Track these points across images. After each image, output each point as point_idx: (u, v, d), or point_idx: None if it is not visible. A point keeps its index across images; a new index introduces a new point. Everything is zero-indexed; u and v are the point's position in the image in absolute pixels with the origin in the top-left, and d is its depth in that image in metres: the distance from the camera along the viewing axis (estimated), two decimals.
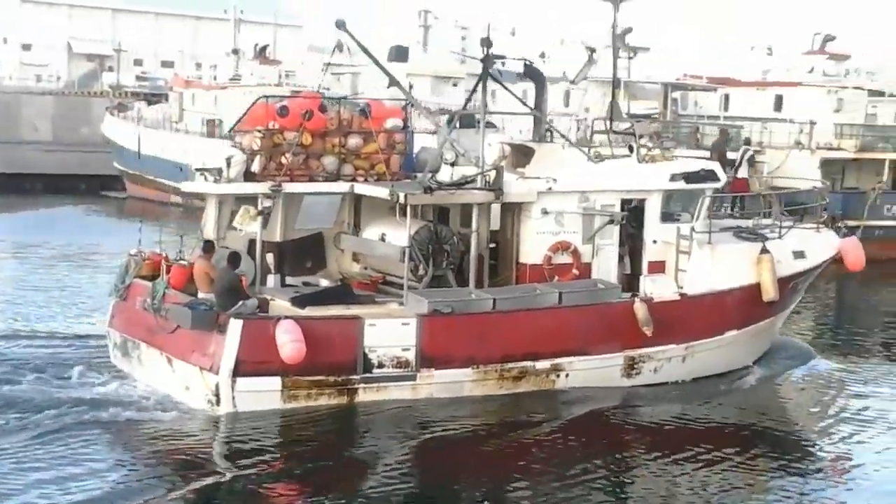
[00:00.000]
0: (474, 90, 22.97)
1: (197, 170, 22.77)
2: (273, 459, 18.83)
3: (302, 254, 23.88)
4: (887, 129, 54.44)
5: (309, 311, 20.45)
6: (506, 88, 23.34)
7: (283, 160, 22.35)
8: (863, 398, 23.64)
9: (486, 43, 22.29)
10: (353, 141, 22.97)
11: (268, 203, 22.10)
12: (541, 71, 23.66)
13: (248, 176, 22.46)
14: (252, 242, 23.15)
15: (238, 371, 19.51)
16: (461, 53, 59.17)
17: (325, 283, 23.15)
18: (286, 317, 19.74)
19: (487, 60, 22.41)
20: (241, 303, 19.82)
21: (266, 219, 22.40)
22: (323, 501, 17.00)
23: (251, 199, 22.91)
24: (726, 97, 56.75)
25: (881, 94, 60.11)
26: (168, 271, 21.55)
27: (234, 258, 20.74)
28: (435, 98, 64.03)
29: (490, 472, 18.65)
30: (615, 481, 18.57)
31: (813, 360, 25.66)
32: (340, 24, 22.43)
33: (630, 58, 26.65)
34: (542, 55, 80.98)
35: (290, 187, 22.33)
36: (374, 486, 17.83)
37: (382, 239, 22.72)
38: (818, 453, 20.44)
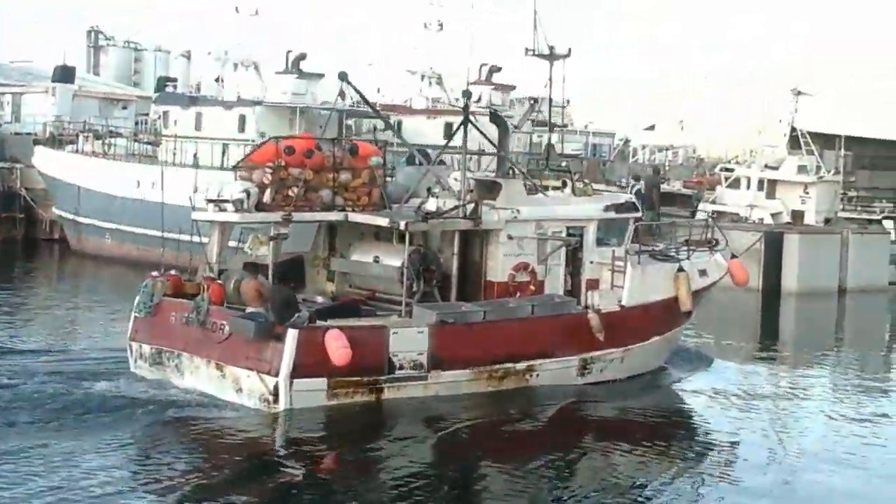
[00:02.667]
0: (454, 133, 27.21)
1: (210, 201, 26.03)
2: (327, 446, 22.80)
3: (286, 274, 27.36)
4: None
5: (344, 322, 24.14)
6: (481, 133, 27.78)
7: (290, 193, 25.89)
8: (752, 387, 29.11)
9: (466, 93, 26.75)
10: (344, 176, 26.83)
11: (285, 230, 25.64)
12: (504, 118, 28.02)
13: (259, 206, 25.89)
14: (247, 265, 26.66)
15: (294, 373, 23.06)
16: (454, 103, 61.40)
17: (320, 299, 26.79)
18: (333, 326, 23.42)
19: (466, 109, 26.72)
20: (296, 315, 23.36)
21: (279, 244, 25.89)
22: (366, 479, 20.92)
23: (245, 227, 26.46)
24: (399, 124, 57.13)
25: (544, 123, 62.08)
26: (208, 289, 24.72)
27: (286, 277, 24.35)
28: (102, 120, 64.87)
29: (490, 458, 22.66)
30: (573, 461, 22.94)
31: (712, 361, 31.00)
32: (343, 76, 26.33)
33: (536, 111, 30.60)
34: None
35: (296, 216, 25.91)
36: (404, 468, 21.67)
37: (376, 260, 26.53)
38: (720, 436, 25.22)
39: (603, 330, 26.82)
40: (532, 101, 28.86)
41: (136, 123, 67.36)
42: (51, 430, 22.05)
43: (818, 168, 62.06)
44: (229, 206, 25.79)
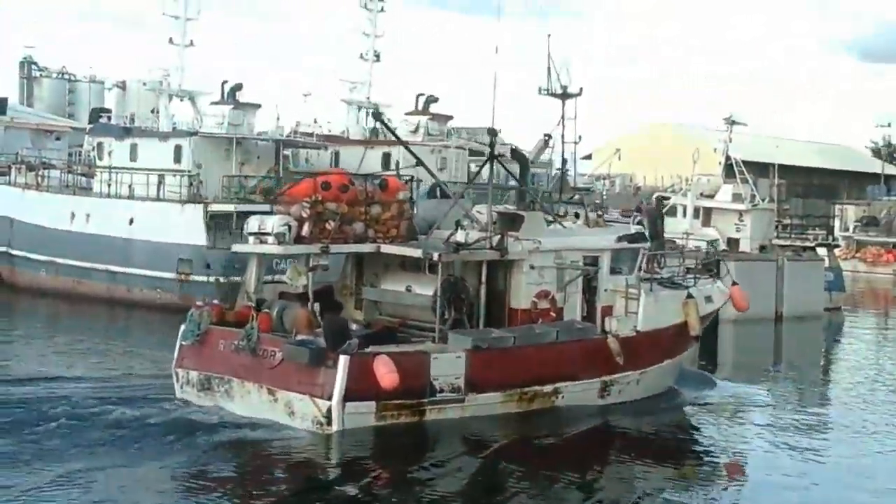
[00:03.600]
0: (479, 170, 28.83)
1: (251, 234, 27.48)
2: (380, 465, 24.31)
3: (318, 303, 28.83)
4: (486, 186, 59.06)
5: (387, 348, 25.66)
6: (507, 171, 29.36)
7: (327, 226, 27.39)
8: (754, 408, 30.97)
9: (492, 132, 28.27)
10: (375, 209, 28.36)
11: (325, 262, 27.13)
12: (524, 154, 29.70)
13: (298, 239, 27.36)
14: (281, 294, 28.15)
15: (346, 397, 24.52)
16: (472, 141, 62.18)
17: (355, 326, 28.22)
18: (382, 353, 24.92)
19: (493, 147, 28.36)
20: (347, 342, 24.84)
21: (317, 274, 27.36)
22: (418, 496, 22.41)
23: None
24: (336, 154, 59.59)
25: (481, 153, 65.12)
26: (256, 317, 26.13)
27: (338, 305, 25.95)
28: (35, 152, 65.53)
29: (524, 472, 24.32)
30: (596, 477, 24.83)
31: (716, 383, 32.80)
32: (377, 116, 27.88)
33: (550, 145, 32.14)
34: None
35: (333, 248, 27.41)
36: (453, 485, 23.42)
37: (408, 290, 28.04)
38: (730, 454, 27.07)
39: (622, 354, 28.48)
40: (546, 138, 30.55)
41: (70, 155, 66.88)
42: (116, 453, 23.42)
43: (753, 196, 63.84)
44: (270, 239, 27.13)
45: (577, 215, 30.78)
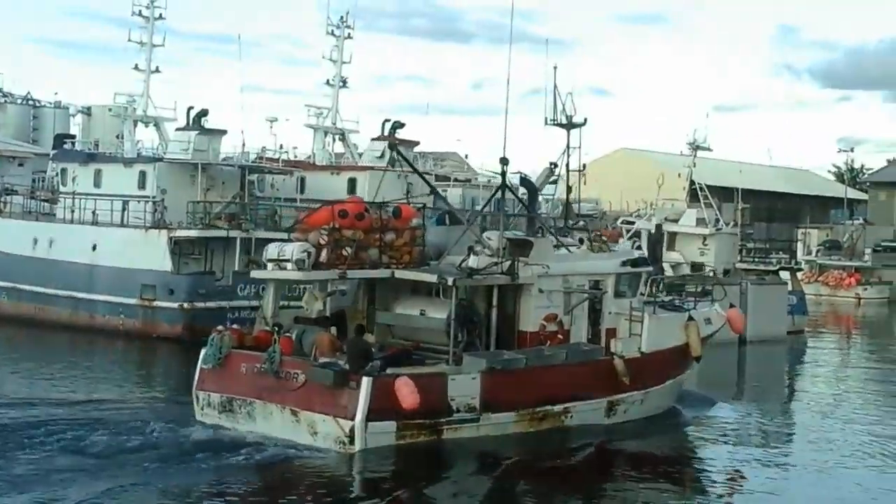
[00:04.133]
0: (491, 198, 29.84)
1: (270, 260, 28.35)
2: (403, 482, 25.30)
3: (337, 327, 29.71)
4: (461, 212, 58.73)
5: (407, 370, 26.56)
6: (517, 197, 30.38)
7: (344, 252, 28.28)
8: (754, 428, 32.04)
9: (504, 161, 29.27)
10: (389, 236, 29.27)
11: (343, 287, 28.02)
12: (533, 182, 30.71)
13: (316, 265, 28.23)
14: (296, 319, 29.04)
15: (369, 417, 25.39)
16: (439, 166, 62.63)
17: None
18: (403, 374, 25.82)
19: (504, 175, 29.39)
20: (370, 364, 25.73)
21: (337, 298, 28.25)
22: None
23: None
24: (302, 180, 59.52)
25: (447, 178, 65.80)
26: (278, 341, 26.99)
27: (361, 329, 26.97)
28: None
29: (539, 491, 25.32)
30: (606, 496, 25.90)
31: (715, 403, 33.85)
32: (392, 146, 28.83)
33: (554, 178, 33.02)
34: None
35: (350, 274, 28.31)
36: (464, 500, 24.98)
37: (422, 313, 28.93)
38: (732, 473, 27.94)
39: (628, 374, 29.48)
40: (552, 166, 31.67)
41: (34, 181, 66.26)
42: (149, 471, 24.29)
43: (717, 220, 64.80)
44: (289, 265, 28.00)
45: (581, 241, 31.76)
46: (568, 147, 31.81)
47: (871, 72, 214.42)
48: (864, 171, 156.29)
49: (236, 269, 49.09)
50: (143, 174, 52.84)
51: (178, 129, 55.94)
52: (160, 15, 57.35)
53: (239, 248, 49.63)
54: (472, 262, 28.87)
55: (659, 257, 33.95)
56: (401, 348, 29.10)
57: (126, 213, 51.76)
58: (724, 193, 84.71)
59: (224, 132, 55.30)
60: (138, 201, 51.69)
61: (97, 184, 54.47)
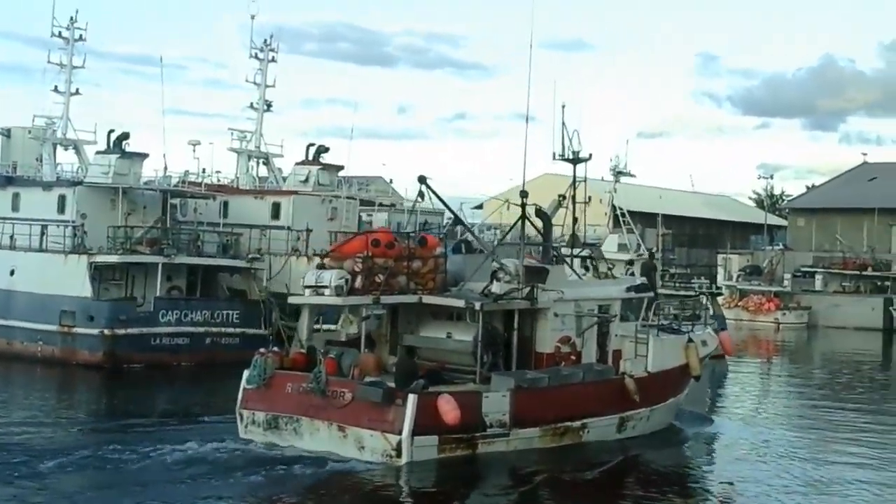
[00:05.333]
0: (512, 227, 31.97)
1: (308, 287, 30.24)
2: (449, 490, 27.48)
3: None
4: (486, 244, 59.48)
5: (447, 388, 28.56)
6: (534, 227, 32.45)
7: (377, 279, 30.26)
8: (750, 444, 34.40)
9: (523, 194, 31.42)
10: (416, 264, 31.30)
11: (379, 311, 29.98)
12: (547, 213, 32.88)
13: (351, 291, 30.17)
14: (328, 342, 30.98)
15: (414, 431, 27.33)
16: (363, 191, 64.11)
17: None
18: (444, 392, 27.83)
19: (524, 207, 31.59)
20: (415, 382, 27.70)
21: (373, 321, 30.18)
22: None
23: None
24: (225, 204, 59.17)
25: (371, 203, 66.69)
26: (323, 363, 28.88)
27: (411, 351, 28.86)
28: None
29: (565, 498, 27.58)
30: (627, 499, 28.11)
31: (711, 421, 36.22)
32: (422, 180, 30.91)
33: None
34: None
35: (383, 299, 30.28)
36: None
37: (449, 336, 30.93)
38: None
39: (638, 393, 31.71)
40: (560, 198, 33.98)
41: None
42: (210, 488, 26.00)
43: (638, 245, 66.22)
44: (327, 291, 29.91)
45: (586, 268, 34.00)
46: (574, 180, 34.00)
47: (789, 100, 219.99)
48: (784, 197, 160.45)
49: (158, 294, 49.42)
50: (62, 198, 52.49)
51: (98, 153, 55.43)
52: (80, 36, 57.15)
53: (161, 273, 49.64)
54: (496, 287, 30.93)
55: (654, 284, 36.13)
56: (428, 368, 30.99)
57: (45, 237, 51.36)
58: (646, 219, 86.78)
59: (145, 155, 54.96)
60: (57, 226, 51.29)
61: (15, 207, 54.16)
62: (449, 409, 27.63)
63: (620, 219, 67.32)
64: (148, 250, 50.46)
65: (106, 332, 48.10)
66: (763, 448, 33.63)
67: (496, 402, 29.03)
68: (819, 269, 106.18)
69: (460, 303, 30.58)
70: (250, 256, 52.72)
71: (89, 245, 50.69)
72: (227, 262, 53.00)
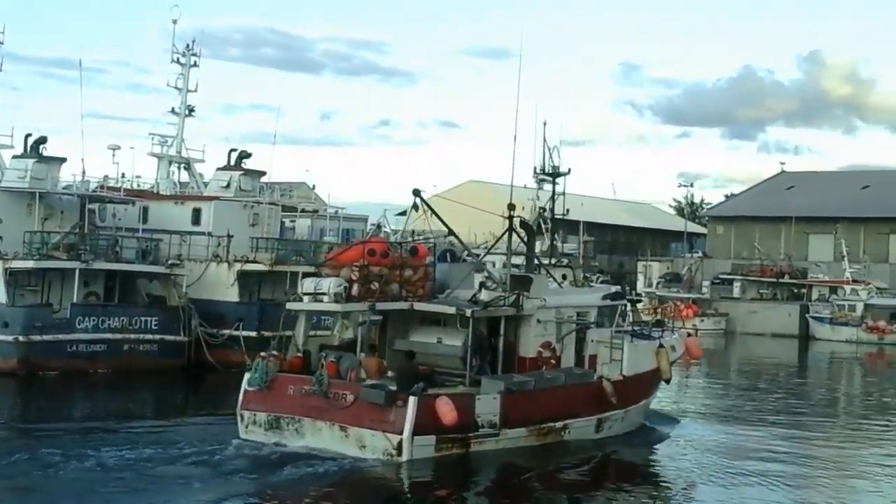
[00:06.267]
0: (499, 239, 33.72)
1: (307, 294, 31.76)
2: (448, 485, 29.35)
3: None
4: (300, 242, 59.86)
5: (444, 390, 30.25)
6: (520, 238, 34.23)
7: (372, 286, 31.86)
8: (715, 442, 36.50)
9: (510, 207, 33.18)
10: (408, 272, 32.97)
11: (377, 317, 31.59)
12: (531, 224, 34.66)
13: (348, 298, 31.73)
14: (322, 346, 32.56)
15: (415, 431, 29.02)
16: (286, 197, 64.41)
17: (390, 373, 32.64)
18: (443, 394, 29.53)
19: (511, 219, 33.39)
20: (416, 385, 29.36)
21: (368, 328, 31.75)
22: None
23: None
24: (145, 210, 58.12)
25: (294, 209, 66.93)
26: (325, 366, 30.43)
27: (411, 355, 30.49)
28: None
29: (550, 493, 29.65)
30: (606, 493, 29.87)
31: (680, 421, 38.25)
32: (416, 192, 32.58)
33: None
34: None
35: (379, 306, 31.89)
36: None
37: (439, 341, 32.61)
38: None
39: (615, 395, 33.60)
40: (541, 210, 35.81)
41: None
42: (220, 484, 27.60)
43: (468, 250, 67.03)
44: (326, 298, 31.46)
45: (564, 276, 35.85)
46: (553, 194, 35.79)
47: (709, 109, 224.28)
48: (704, 205, 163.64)
49: (75, 301, 49.17)
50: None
51: (15, 157, 55.23)
52: None
53: (78, 279, 49.32)
54: (484, 295, 32.66)
55: (624, 293, 38.14)
56: (423, 372, 32.61)
57: None
58: (568, 226, 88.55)
59: (63, 160, 54.84)
60: None
61: None
62: (447, 411, 29.34)
63: (542, 225, 68.75)
64: (65, 256, 49.95)
65: (21, 338, 47.57)
66: (721, 444, 36.32)
67: (488, 404, 30.75)
68: (737, 277, 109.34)
69: (451, 310, 32.26)
70: (170, 262, 52.49)
71: (5, 250, 50.28)
72: (146, 268, 52.64)
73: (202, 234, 55.98)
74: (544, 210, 36.39)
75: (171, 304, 52.24)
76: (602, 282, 43.17)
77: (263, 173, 63.98)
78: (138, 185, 64.92)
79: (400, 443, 29.27)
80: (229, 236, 54.31)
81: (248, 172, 63.23)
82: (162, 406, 44.13)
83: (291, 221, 65.50)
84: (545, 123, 35.47)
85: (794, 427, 41.50)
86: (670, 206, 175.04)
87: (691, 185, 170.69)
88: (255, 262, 53.71)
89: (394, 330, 34.24)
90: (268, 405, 31.42)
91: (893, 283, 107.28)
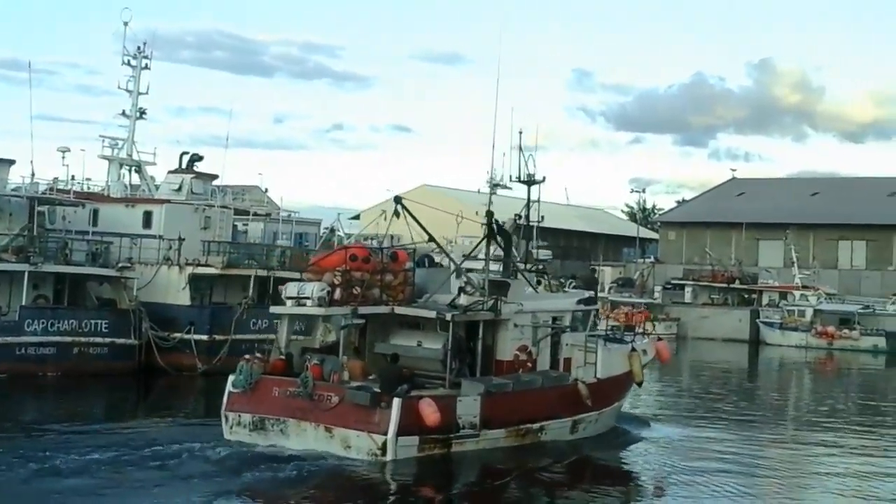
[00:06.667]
0: (479, 244, 34.51)
1: (290, 298, 32.41)
2: (432, 483, 30.25)
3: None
4: (253, 246, 59.37)
5: (427, 392, 30.98)
6: (498, 244, 35.01)
7: (354, 291, 32.56)
8: (685, 442, 37.44)
9: (489, 213, 33.98)
10: (388, 277, 33.71)
11: (360, 320, 32.30)
12: (508, 231, 35.43)
13: (332, 302, 32.40)
14: (304, 349, 33.25)
15: (399, 432, 29.73)
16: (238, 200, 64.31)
17: (371, 375, 33.32)
18: (426, 396, 30.26)
19: (490, 225, 34.13)
20: (400, 387, 30.09)
21: (351, 331, 32.46)
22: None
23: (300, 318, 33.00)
24: (95, 212, 58.02)
25: (246, 212, 65.93)
26: (309, 369, 31.08)
27: (395, 358, 31.25)
28: None
29: (528, 491, 30.51)
30: (581, 491, 30.96)
31: (651, 423, 39.19)
32: (398, 200, 33.31)
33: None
34: None
35: (361, 310, 32.59)
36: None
37: (419, 344, 33.32)
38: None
39: (591, 397, 34.45)
40: (516, 217, 36.63)
41: None
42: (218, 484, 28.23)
43: (449, 255, 67.44)
44: (309, 302, 32.13)
45: (539, 282, 36.68)
46: (528, 201, 36.57)
47: (661, 116, 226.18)
48: (656, 211, 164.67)
49: (24, 303, 48.84)
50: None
51: None
52: None
53: (27, 282, 48.93)
54: (463, 300, 33.44)
55: (596, 298, 39.04)
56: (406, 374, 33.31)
57: None
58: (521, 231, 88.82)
59: (12, 162, 54.30)
60: None
61: None
62: (430, 412, 30.09)
63: (495, 231, 68.99)
64: (13, 258, 49.62)
65: None
66: (686, 446, 37.50)
67: (469, 406, 31.52)
68: (689, 282, 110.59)
69: (432, 314, 32.99)
70: (120, 265, 52.35)
71: None
72: (96, 271, 52.09)
73: (153, 237, 55.52)
74: (519, 216, 37.11)
75: (121, 307, 52.04)
76: (574, 287, 44.08)
77: (215, 176, 63.79)
78: (88, 188, 64.65)
79: (384, 443, 30.00)
80: (180, 239, 53.95)
81: (199, 175, 63.22)
82: (113, 410, 44.15)
83: (244, 225, 64.96)
84: (521, 132, 36.16)
85: (748, 429, 42.75)
86: (623, 211, 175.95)
87: (643, 191, 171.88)
88: (206, 265, 53.44)
89: (374, 333, 34.93)
90: (252, 407, 32.03)
91: (842, 289, 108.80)
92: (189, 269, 52.83)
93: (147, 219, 57.31)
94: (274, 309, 33.84)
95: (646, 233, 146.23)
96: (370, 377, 31.80)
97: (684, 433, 40.02)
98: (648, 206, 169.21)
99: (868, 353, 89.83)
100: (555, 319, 35.73)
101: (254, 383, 32.07)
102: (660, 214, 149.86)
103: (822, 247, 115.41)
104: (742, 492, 30.34)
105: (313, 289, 32.40)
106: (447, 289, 34.69)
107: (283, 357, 33.13)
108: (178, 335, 52.25)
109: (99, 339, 50.42)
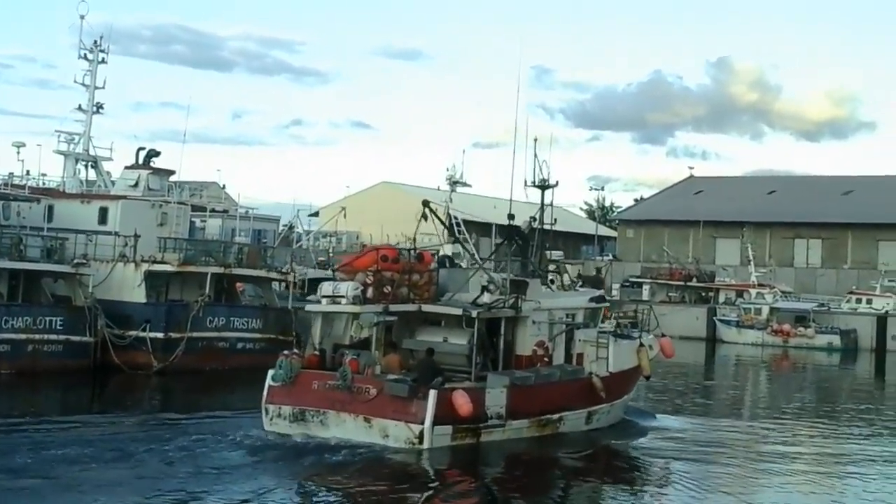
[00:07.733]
0: (500, 245, 36.52)
1: (325, 296, 34.28)
2: (465, 470, 32.24)
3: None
4: (210, 243, 59.32)
5: (460, 384, 32.98)
6: (517, 244, 37.08)
7: (385, 290, 34.49)
8: (686, 433, 39.57)
9: (510, 216, 36.01)
10: (415, 277, 35.63)
11: (391, 318, 34.25)
12: (525, 232, 37.47)
13: (364, 300, 34.31)
14: (336, 345, 35.16)
15: (435, 422, 31.71)
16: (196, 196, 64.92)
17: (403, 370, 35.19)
18: (459, 388, 32.25)
19: (512, 228, 36.15)
20: (435, 379, 32.06)
21: (382, 328, 34.38)
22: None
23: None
24: (50, 208, 57.53)
25: (204, 209, 66.20)
26: (347, 363, 32.99)
27: (431, 351, 33.21)
28: None
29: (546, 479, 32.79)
30: (595, 482, 32.76)
31: (657, 415, 41.32)
32: (426, 203, 35.24)
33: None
34: None
35: (391, 308, 34.53)
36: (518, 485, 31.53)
37: (445, 340, 35.25)
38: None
39: (604, 390, 36.56)
40: (531, 219, 38.58)
41: None
42: (249, 470, 30.14)
43: (472, 255, 69.82)
44: (344, 300, 34.04)
45: (552, 281, 38.77)
46: (542, 205, 38.62)
47: (619, 114, 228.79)
48: (614, 208, 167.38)
49: None
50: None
51: None
52: None
53: None
54: (486, 298, 35.42)
55: (605, 297, 41.17)
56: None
57: None
58: (481, 228, 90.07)
59: None
60: None
61: None
62: (463, 403, 32.11)
63: (455, 228, 70.46)
64: None
65: None
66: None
67: (497, 397, 33.54)
68: (646, 280, 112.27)
69: (458, 311, 34.96)
70: (75, 262, 51.41)
71: None
72: (50, 268, 51.48)
73: (109, 233, 55.23)
74: (534, 219, 39.08)
75: (76, 304, 51.58)
76: (581, 287, 46.20)
77: (172, 172, 63.11)
78: (44, 183, 63.48)
79: (421, 432, 31.97)
80: (136, 236, 53.35)
81: (156, 171, 62.60)
82: (68, 407, 43.71)
83: (202, 221, 65.53)
84: (536, 140, 38.20)
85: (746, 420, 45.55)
86: (581, 209, 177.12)
87: (602, 189, 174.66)
88: (162, 262, 53.24)
89: (400, 330, 36.83)
90: (292, 399, 33.88)
91: (798, 287, 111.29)
92: (145, 266, 52.40)
93: (103, 215, 57.45)
94: (310, 307, 35.65)
95: (604, 230, 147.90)
96: (403, 371, 33.74)
97: (686, 423, 42.27)
98: (607, 203, 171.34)
99: (823, 350, 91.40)
100: (569, 316, 37.80)
101: (294, 377, 33.92)
102: (618, 212, 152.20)
103: (779, 245, 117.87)
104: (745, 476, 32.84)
105: (347, 288, 34.29)
106: (466, 288, 36.64)
107: (317, 353, 35.02)
108: (133, 333, 51.87)
109: (53, 337, 50.05)
